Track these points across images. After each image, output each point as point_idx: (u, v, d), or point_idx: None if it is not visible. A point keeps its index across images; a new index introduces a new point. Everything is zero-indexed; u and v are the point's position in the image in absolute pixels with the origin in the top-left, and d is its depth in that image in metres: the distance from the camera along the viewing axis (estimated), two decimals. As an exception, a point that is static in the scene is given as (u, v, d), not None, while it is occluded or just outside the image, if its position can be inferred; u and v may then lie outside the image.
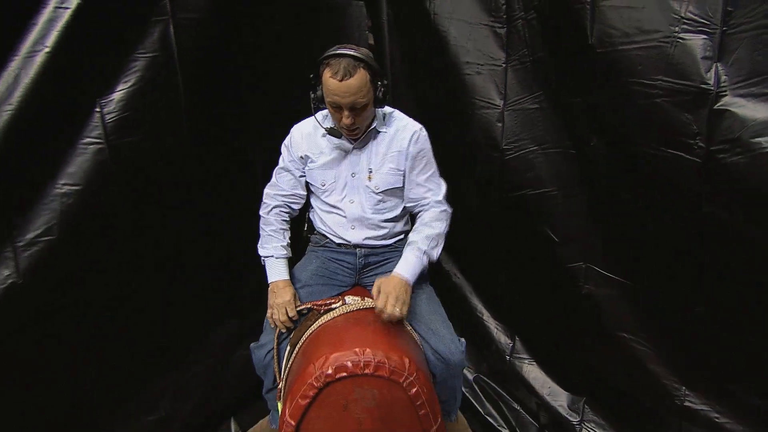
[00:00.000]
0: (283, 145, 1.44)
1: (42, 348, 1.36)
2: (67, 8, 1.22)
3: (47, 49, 1.21)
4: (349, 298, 1.32)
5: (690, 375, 1.28)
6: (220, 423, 1.85)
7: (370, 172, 1.35)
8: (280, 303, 1.30)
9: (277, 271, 1.37)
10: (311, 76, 1.28)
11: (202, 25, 1.49)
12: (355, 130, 1.27)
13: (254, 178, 1.74)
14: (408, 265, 1.26)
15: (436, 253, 1.34)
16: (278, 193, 1.43)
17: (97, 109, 1.35)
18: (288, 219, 1.46)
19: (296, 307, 1.32)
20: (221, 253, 1.73)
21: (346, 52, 1.18)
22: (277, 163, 1.49)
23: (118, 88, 1.37)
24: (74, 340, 1.42)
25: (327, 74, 1.18)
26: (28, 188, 1.29)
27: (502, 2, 1.47)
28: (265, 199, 1.45)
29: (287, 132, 1.73)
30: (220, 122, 1.64)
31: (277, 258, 1.39)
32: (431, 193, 1.36)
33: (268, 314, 1.34)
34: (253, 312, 1.83)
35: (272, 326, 1.34)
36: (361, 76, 1.16)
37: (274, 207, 1.43)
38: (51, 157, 1.31)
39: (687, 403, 1.28)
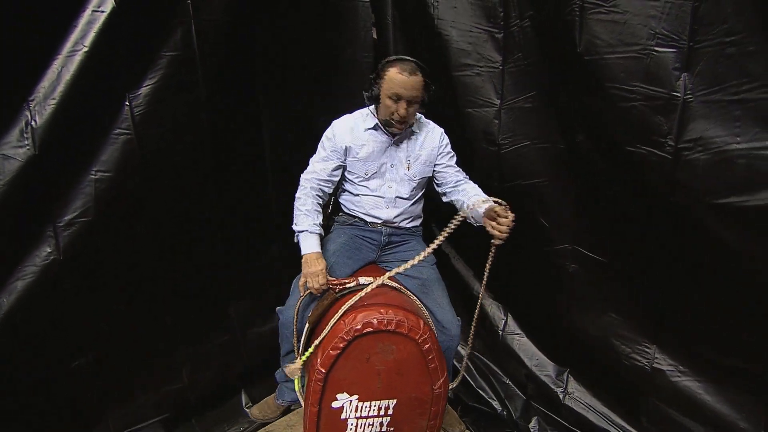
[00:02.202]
0: (324, 138, 1.58)
1: (75, 318, 1.49)
2: (103, 12, 1.33)
3: (85, 49, 1.32)
4: (362, 279, 1.45)
5: (659, 338, 1.45)
6: (233, 395, 1.99)
7: (409, 162, 1.57)
8: (314, 272, 1.40)
9: (310, 244, 1.47)
10: (371, 76, 1.49)
11: (221, 26, 1.60)
12: (403, 124, 1.48)
13: (266, 166, 1.87)
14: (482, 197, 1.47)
15: None
16: (315, 177, 1.55)
17: (127, 103, 1.46)
18: (321, 203, 1.58)
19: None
20: (237, 236, 1.86)
21: (408, 58, 1.45)
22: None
23: (145, 84, 1.48)
24: (103, 312, 1.55)
25: (395, 71, 1.41)
26: (66, 174, 1.41)
27: (500, 10, 1.58)
28: (302, 183, 1.56)
29: (299, 125, 1.86)
30: (236, 115, 1.75)
31: (310, 232, 1.48)
32: (461, 174, 1.62)
33: (301, 282, 1.46)
34: (267, 291, 1.97)
35: (301, 293, 1.46)
36: (420, 77, 1.43)
37: (311, 189, 1.54)
38: (86, 146, 1.43)
39: (656, 364, 1.45)
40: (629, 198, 1.39)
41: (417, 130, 1.58)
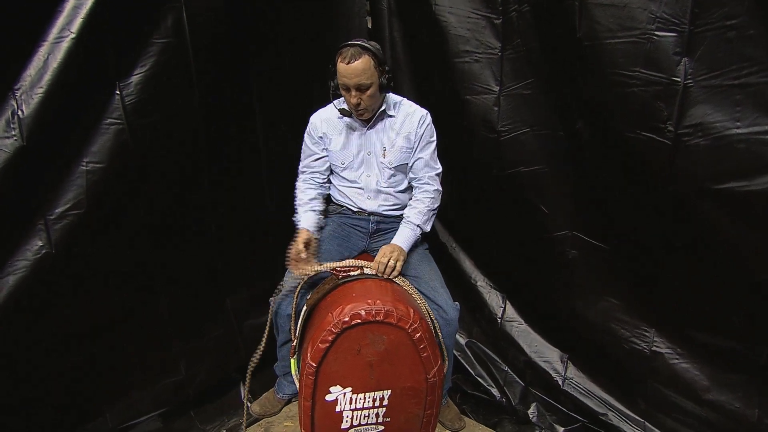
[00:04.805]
0: (305, 134, 1.60)
1: (69, 312, 1.46)
2: (90, -5, 1.29)
3: (72, 35, 1.28)
4: (367, 269, 1.44)
5: (658, 322, 1.47)
6: (231, 388, 1.99)
7: (384, 149, 1.52)
8: (291, 245, 1.40)
9: (302, 220, 1.53)
10: (330, 66, 1.44)
11: (213, 12, 1.56)
12: (362, 111, 1.43)
13: (261, 156, 1.85)
14: (403, 237, 1.48)
15: (428, 225, 1.54)
16: (304, 168, 1.61)
17: (117, 92, 1.42)
18: (315, 187, 1.61)
19: (316, 267, 1.41)
20: (232, 227, 1.84)
21: (354, 42, 1.37)
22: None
23: (136, 72, 1.44)
24: (99, 305, 1.53)
25: (338, 60, 1.38)
26: (56, 166, 1.37)
27: (498, -6, 1.56)
28: (297, 179, 1.64)
29: (292, 112, 1.83)
30: (230, 104, 1.72)
31: (302, 212, 1.55)
32: (428, 169, 1.54)
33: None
34: (263, 283, 1.95)
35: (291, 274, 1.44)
36: (365, 61, 1.35)
37: (302, 181, 1.61)
38: (76, 136, 1.39)
39: (655, 348, 1.47)
40: (629, 184, 1.39)
41: (393, 114, 1.51)
